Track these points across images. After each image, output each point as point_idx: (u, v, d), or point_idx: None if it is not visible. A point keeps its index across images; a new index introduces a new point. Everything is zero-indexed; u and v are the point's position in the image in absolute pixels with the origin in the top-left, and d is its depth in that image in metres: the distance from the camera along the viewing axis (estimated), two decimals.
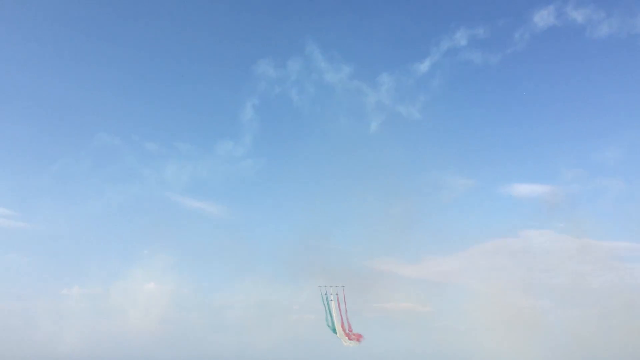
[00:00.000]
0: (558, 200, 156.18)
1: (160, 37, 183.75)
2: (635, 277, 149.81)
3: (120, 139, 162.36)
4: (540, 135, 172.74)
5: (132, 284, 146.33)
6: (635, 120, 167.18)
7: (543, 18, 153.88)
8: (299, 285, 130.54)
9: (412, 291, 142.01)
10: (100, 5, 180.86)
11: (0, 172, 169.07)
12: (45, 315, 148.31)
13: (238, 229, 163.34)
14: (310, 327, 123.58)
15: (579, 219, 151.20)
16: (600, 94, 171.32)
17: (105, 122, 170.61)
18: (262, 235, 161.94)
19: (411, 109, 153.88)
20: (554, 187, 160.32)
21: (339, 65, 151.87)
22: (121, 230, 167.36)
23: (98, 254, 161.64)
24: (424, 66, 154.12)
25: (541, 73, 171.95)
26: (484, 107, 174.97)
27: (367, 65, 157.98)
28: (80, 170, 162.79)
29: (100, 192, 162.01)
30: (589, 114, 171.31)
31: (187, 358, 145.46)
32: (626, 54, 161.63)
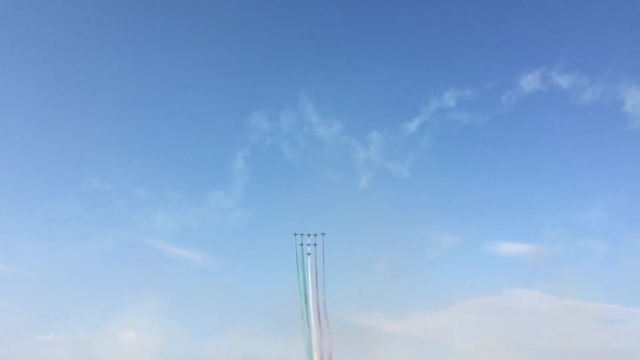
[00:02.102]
0: (542, 259, 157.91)
1: (155, 87, 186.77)
2: (620, 340, 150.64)
3: (110, 184, 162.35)
4: (525, 195, 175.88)
5: (111, 332, 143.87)
6: (617, 183, 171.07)
7: (529, 82, 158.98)
8: (287, 339, 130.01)
9: (397, 349, 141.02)
10: (95, 59, 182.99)
11: None
12: None
13: (225, 279, 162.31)
14: None
15: (563, 279, 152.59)
16: (584, 157, 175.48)
17: (97, 167, 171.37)
18: (250, 286, 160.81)
19: (400, 167, 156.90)
20: (539, 246, 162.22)
21: (330, 120, 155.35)
22: (105, 276, 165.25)
23: (79, 300, 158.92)
24: (413, 125, 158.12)
25: (527, 135, 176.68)
26: (471, 166, 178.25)
27: (357, 122, 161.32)
28: (68, 214, 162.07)
29: (86, 236, 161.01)
30: (573, 176, 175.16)
31: None
32: (610, 119, 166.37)
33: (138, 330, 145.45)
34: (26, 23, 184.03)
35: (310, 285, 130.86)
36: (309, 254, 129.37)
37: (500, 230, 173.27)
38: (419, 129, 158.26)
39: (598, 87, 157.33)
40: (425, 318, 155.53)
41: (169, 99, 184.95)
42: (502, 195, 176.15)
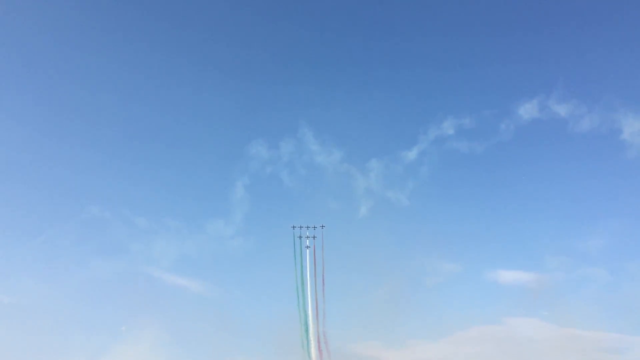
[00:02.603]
0: (543, 287, 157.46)
1: (154, 115, 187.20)
2: None
3: (110, 212, 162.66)
4: (525, 223, 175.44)
5: None
6: (617, 211, 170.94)
7: (527, 111, 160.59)
8: None
9: None
10: (95, 85, 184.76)
11: None
12: None
13: (225, 307, 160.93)
14: None
15: (564, 307, 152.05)
16: (584, 184, 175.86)
17: (96, 195, 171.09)
18: (250, 314, 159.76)
19: (400, 195, 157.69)
20: (539, 274, 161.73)
21: (330, 148, 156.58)
22: (103, 305, 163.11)
23: (77, 329, 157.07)
24: (412, 154, 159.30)
25: (526, 163, 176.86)
26: (471, 194, 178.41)
27: (357, 151, 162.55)
28: (67, 243, 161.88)
29: (85, 265, 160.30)
30: (573, 204, 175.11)
31: None
32: (608, 147, 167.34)
33: (137, 359, 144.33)
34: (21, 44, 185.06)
35: (310, 314, 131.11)
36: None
37: (501, 258, 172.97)
38: (418, 157, 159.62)
39: (596, 115, 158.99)
40: (425, 348, 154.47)
41: (169, 128, 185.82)
42: (502, 223, 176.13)
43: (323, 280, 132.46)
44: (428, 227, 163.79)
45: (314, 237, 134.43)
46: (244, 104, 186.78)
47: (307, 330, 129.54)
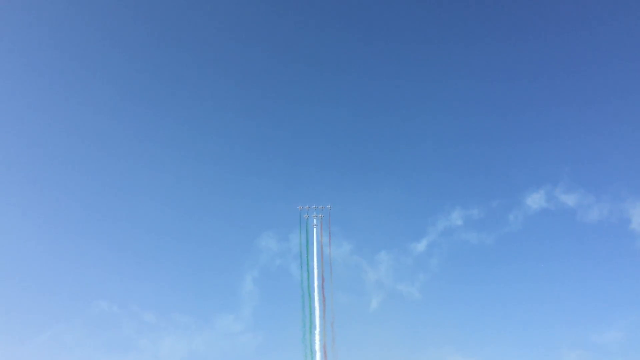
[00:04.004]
0: None
1: (163, 212, 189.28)
2: None
3: (118, 307, 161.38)
4: (540, 316, 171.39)
5: None
6: (632, 303, 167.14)
7: (535, 201, 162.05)
8: None
9: None
10: (100, 186, 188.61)
11: None
12: None
13: None
14: None
15: None
16: (596, 275, 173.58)
17: (104, 290, 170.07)
18: None
19: (411, 288, 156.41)
20: None
21: (339, 241, 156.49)
22: None
23: None
24: (422, 246, 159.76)
25: (537, 254, 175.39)
26: (482, 286, 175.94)
27: (366, 243, 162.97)
28: (73, 339, 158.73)
29: None
30: (586, 295, 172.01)
31: None
32: (617, 237, 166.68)
33: None
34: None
35: None
36: None
37: (516, 352, 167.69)
38: (427, 249, 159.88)
39: (604, 206, 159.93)
40: None
41: (177, 222, 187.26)
42: (516, 316, 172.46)
43: None
44: (441, 320, 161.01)
45: (324, 335, 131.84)
46: (253, 196, 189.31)
47: None
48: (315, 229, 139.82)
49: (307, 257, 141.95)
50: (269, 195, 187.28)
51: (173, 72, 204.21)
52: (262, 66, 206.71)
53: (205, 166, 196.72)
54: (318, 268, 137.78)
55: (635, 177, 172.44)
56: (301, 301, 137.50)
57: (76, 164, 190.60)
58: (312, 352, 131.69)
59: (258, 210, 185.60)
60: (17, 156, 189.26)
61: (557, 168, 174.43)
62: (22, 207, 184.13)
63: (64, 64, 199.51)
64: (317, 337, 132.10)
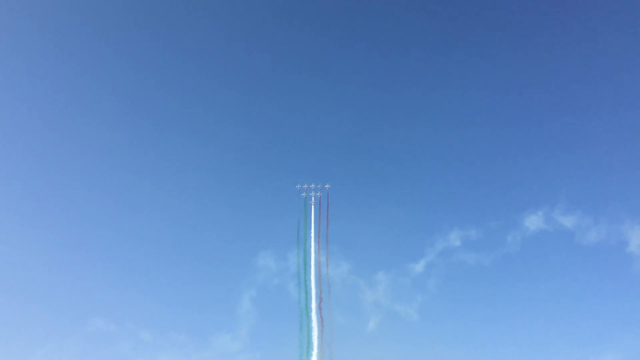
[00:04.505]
0: None
1: (161, 229, 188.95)
2: None
3: (115, 325, 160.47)
4: (538, 337, 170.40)
5: None
6: (629, 326, 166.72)
7: (533, 222, 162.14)
8: None
9: None
10: (99, 203, 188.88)
11: None
12: None
13: None
14: None
15: None
16: (593, 298, 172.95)
17: (101, 307, 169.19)
18: None
19: (409, 309, 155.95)
20: None
21: (337, 260, 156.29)
22: None
23: None
24: (420, 266, 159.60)
25: (534, 276, 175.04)
26: (480, 307, 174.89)
27: (364, 263, 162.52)
28: (70, 356, 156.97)
29: None
30: (584, 318, 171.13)
31: None
32: (615, 259, 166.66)
33: None
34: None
35: None
36: None
37: None
38: (425, 270, 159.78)
39: (602, 228, 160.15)
40: None
41: (175, 240, 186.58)
42: (513, 337, 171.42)
43: None
44: (439, 341, 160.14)
45: (321, 355, 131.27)
46: (251, 215, 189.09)
47: None
48: (313, 207, 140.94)
49: (305, 274, 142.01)
50: (268, 215, 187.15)
51: (169, 77, 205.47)
52: (262, 72, 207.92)
53: (204, 181, 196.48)
54: (316, 287, 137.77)
55: (633, 199, 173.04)
56: (299, 321, 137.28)
57: (74, 179, 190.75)
58: None
59: (256, 228, 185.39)
60: (15, 169, 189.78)
61: (555, 189, 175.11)
62: (18, 222, 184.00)
63: (62, 71, 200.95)
64: (314, 358, 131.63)
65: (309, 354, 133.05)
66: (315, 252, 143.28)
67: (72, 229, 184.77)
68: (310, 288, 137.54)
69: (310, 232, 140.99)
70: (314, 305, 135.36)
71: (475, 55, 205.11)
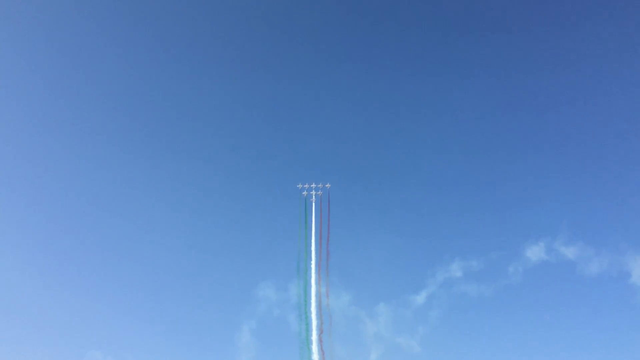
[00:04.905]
0: None
1: (158, 263, 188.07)
2: None
3: (112, 358, 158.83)
4: None
5: None
6: (633, 358, 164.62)
7: (535, 253, 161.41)
8: None
9: None
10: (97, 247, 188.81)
11: None
12: None
13: None
14: None
15: None
16: (597, 329, 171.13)
17: (99, 340, 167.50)
18: None
19: (411, 341, 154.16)
20: None
21: (338, 291, 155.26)
22: None
23: None
24: (421, 298, 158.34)
25: (537, 307, 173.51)
26: (482, 339, 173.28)
27: (365, 294, 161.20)
28: None
29: None
30: (586, 349, 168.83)
31: None
32: (618, 291, 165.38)
33: None
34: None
35: None
36: None
37: None
38: (427, 301, 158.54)
39: (604, 259, 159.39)
40: None
41: (174, 272, 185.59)
42: None
43: None
44: None
45: None
46: (252, 247, 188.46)
47: None
48: (314, 205, 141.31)
49: (305, 305, 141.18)
50: (269, 248, 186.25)
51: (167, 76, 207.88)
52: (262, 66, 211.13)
53: (204, 215, 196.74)
54: (317, 319, 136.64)
55: (635, 230, 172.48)
56: (299, 353, 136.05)
57: (71, 210, 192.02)
58: None
59: (256, 259, 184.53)
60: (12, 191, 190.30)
61: (556, 220, 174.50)
62: (13, 253, 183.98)
63: (61, 70, 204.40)
64: None
65: None
66: (315, 283, 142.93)
67: (69, 262, 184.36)
68: (311, 319, 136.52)
69: (312, 233, 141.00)
70: (314, 336, 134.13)
71: (483, 76, 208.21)
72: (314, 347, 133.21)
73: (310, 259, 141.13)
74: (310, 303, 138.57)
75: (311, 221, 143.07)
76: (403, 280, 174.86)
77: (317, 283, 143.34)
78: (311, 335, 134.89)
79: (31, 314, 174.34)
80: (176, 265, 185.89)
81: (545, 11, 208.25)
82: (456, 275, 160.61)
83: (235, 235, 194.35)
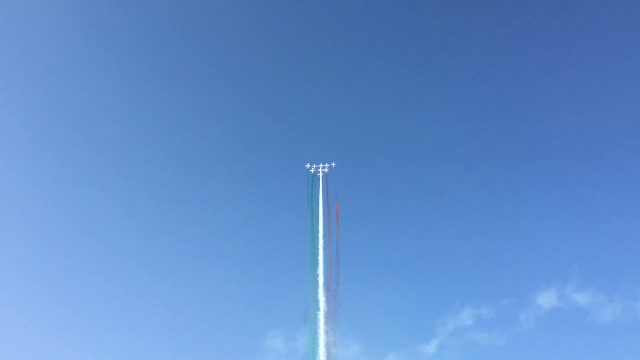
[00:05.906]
0: None
1: (164, 310, 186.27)
2: None
3: None
4: None
5: None
6: None
7: (546, 300, 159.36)
8: None
9: None
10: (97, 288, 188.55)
11: None
12: None
13: None
14: None
15: None
16: None
17: None
18: None
19: None
20: None
21: (348, 341, 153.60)
22: None
23: None
24: (431, 347, 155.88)
25: (549, 354, 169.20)
26: None
27: (375, 344, 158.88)
28: None
29: None
30: None
31: None
32: (632, 338, 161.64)
33: None
34: None
35: None
36: None
37: None
38: (437, 350, 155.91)
39: (617, 305, 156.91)
40: None
41: (180, 323, 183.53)
42: None
43: None
44: None
45: None
46: (260, 296, 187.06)
47: None
48: (321, 185, 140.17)
49: (313, 356, 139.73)
50: (276, 295, 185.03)
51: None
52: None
53: (209, 260, 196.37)
54: None
55: None
56: None
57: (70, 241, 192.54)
58: None
59: (264, 308, 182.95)
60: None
61: (567, 265, 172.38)
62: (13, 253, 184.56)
63: (61, 70, 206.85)
64: None
65: None
66: (324, 332, 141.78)
67: (68, 303, 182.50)
68: None
69: (319, 210, 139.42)
70: None
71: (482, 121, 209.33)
72: None
73: (319, 309, 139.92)
74: (318, 354, 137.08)
75: (318, 263, 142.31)
76: (413, 329, 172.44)
77: (326, 333, 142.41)
78: None
79: (28, 344, 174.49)
80: (182, 317, 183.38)
81: (553, 20, 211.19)
82: (467, 324, 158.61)
83: (242, 284, 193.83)
